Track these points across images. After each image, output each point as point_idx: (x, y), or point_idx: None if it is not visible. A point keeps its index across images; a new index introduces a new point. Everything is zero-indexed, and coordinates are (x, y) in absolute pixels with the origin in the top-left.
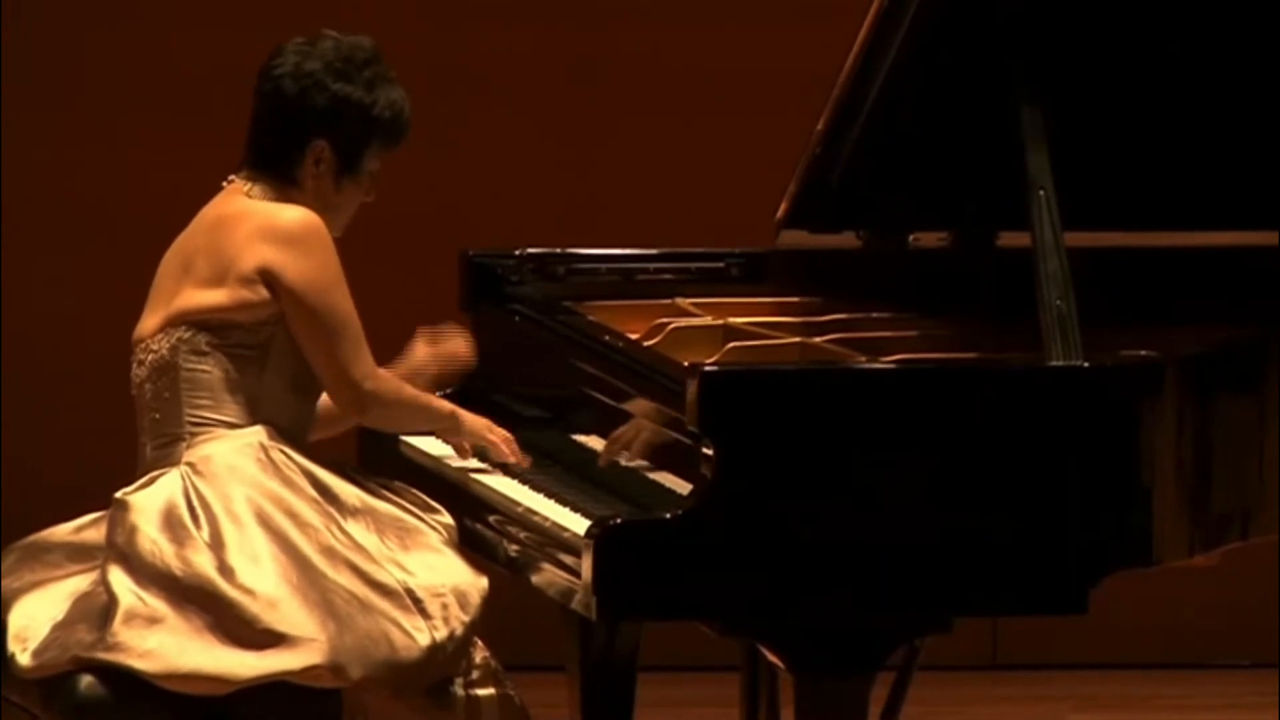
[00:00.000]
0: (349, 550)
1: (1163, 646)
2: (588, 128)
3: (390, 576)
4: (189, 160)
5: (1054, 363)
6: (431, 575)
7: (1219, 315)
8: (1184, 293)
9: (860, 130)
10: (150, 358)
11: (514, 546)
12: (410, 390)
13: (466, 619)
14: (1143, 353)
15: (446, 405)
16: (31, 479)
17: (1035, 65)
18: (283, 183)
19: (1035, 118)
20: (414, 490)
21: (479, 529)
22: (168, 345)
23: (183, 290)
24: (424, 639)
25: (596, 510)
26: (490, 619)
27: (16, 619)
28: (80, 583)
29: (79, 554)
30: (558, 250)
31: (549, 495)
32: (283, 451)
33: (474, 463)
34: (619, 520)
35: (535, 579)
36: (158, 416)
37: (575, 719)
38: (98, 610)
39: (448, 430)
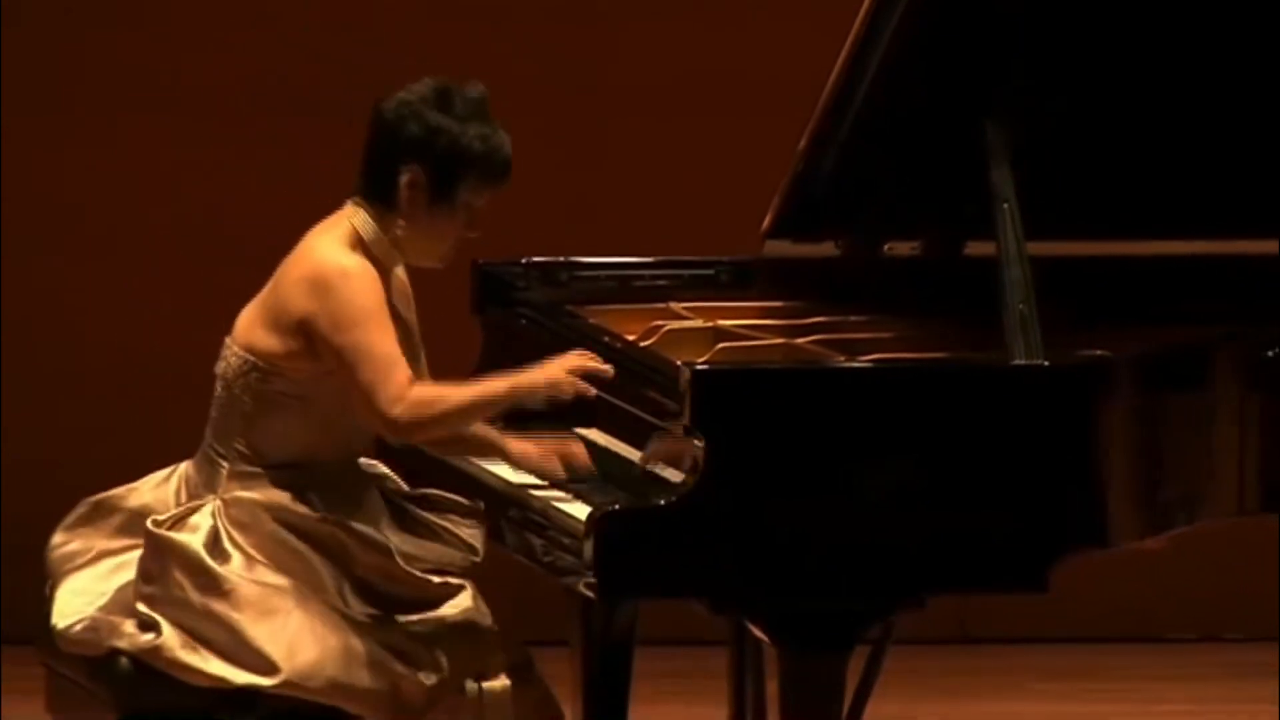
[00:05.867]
0: (365, 609)
1: (1116, 622)
2: (587, 148)
3: (402, 628)
4: (188, 160)
5: (1017, 361)
6: (439, 625)
7: (1172, 318)
8: (1141, 298)
9: (839, 148)
10: (230, 362)
11: (521, 531)
12: (451, 397)
13: (467, 659)
14: (1098, 352)
15: (501, 385)
16: (31, 479)
17: (1003, 90)
18: (383, 206)
19: (1000, 137)
20: (450, 497)
21: (491, 516)
22: (236, 364)
23: (258, 320)
24: (430, 680)
25: (596, 497)
26: (499, 599)
27: (64, 596)
28: (124, 569)
29: (134, 526)
30: (561, 259)
31: (553, 483)
32: (308, 507)
33: (499, 465)
34: (617, 507)
35: (541, 561)
36: (218, 419)
37: (577, 691)
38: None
39: (524, 398)
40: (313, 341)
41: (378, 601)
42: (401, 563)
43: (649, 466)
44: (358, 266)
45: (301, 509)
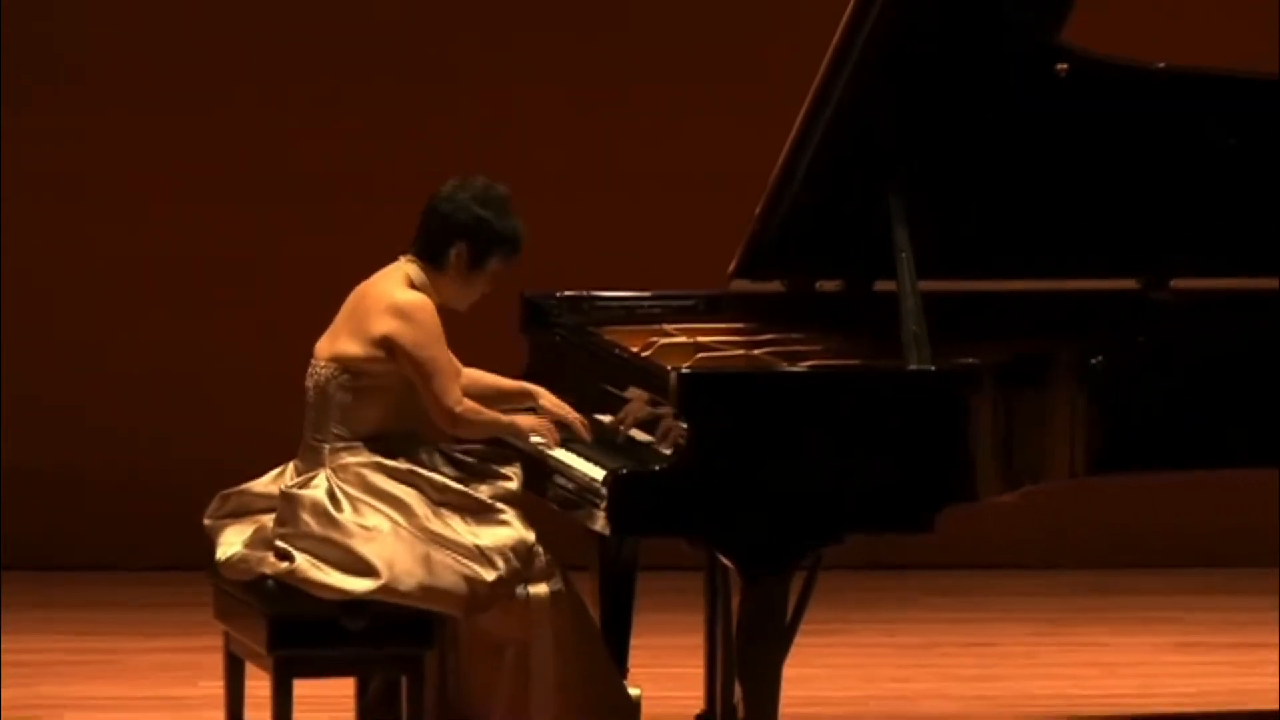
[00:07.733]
0: (441, 527)
1: (983, 553)
2: (604, 213)
3: (469, 540)
4: (183, 159)
5: (911, 367)
6: (496, 538)
7: (1020, 336)
8: (998, 321)
9: (784, 215)
10: (319, 376)
11: (556, 487)
12: (490, 413)
13: (518, 565)
14: (969, 360)
15: (521, 419)
16: (32, 479)
17: (901, 173)
18: (433, 266)
19: (900, 207)
20: (495, 449)
21: (538, 478)
22: (327, 374)
23: (342, 336)
24: (491, 576)
25: (611, 464)
26: (542, 537)
27: (222, 541)
28: (265, 520)
29: (262, 502)
30: (584, 293)
31: (580, 455)
32: (394, 464)
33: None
34: (625, 470)
35: (572, 510)
36: (314, 416)
37: (594, 603)
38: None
39: (524, 431)
40: (392, 351)
41: (450, 518)
42: (459, 486)
43: (622, 429)
44: (425, 301)
45: (390, 462)
